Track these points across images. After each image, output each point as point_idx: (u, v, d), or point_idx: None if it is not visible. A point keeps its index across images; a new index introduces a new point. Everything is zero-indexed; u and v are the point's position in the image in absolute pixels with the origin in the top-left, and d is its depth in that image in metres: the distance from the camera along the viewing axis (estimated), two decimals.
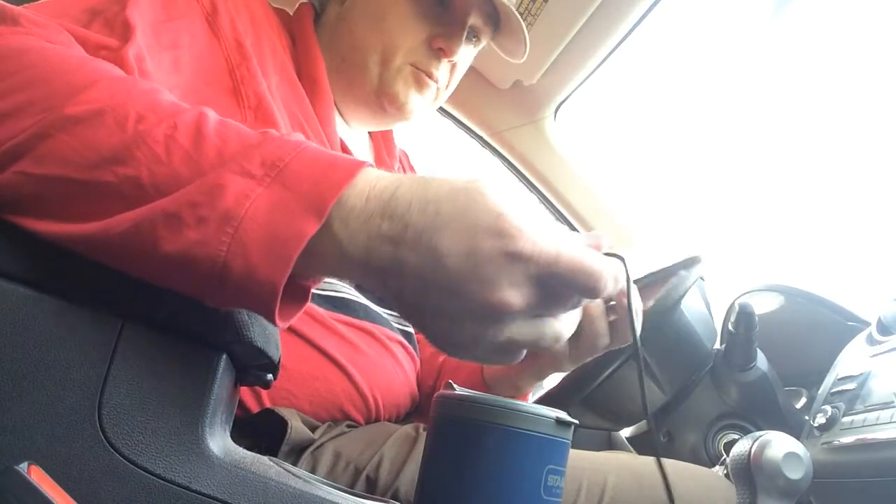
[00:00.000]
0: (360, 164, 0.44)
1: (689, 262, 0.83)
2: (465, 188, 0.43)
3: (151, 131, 0.44)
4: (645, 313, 0.74)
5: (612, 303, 0.69)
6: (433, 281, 0.42)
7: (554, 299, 0.44)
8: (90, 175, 0.44)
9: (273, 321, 0.44)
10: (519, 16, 0.90)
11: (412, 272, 0.42)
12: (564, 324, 0.45)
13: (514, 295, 0.41)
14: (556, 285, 0.42)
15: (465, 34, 0.90)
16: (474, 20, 0.90)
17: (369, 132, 1.03)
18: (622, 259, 0.46)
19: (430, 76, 0.89)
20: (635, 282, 0.74)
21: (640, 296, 0.72)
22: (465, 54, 0.94)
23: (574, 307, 0.45)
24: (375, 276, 0.44)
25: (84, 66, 0.49)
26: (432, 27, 0.88)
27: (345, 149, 0.88)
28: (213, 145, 0.44)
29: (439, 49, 0.88)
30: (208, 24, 0.71)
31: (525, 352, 0.46)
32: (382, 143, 1.04)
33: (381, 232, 0.43)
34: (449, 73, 0.93)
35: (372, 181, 0.44)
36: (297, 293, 0.46)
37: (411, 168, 1.12)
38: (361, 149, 0.97)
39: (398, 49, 0.87)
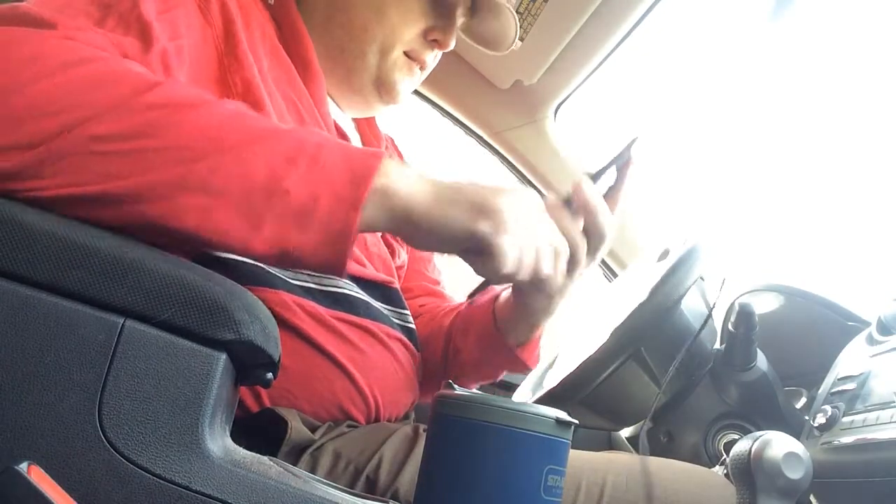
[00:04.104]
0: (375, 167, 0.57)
1: (630, 143, 0.84)
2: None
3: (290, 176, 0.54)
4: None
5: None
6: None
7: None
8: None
9: (349, 237, 0.55)
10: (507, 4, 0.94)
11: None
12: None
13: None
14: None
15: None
16: (463, 12, 0.93)
17: (353, 118, 1.04)
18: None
19: (422, 65, 0.94)
20: (590, 176, 0.76)
21: (602, 196, 0.73)
22: None
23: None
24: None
25: (204, 115, 0.54)
26: (429, 20, 0.90)
27: (339, 131, 0.90)
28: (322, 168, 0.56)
29: (433, 41, 0.92)
30: (201, 12, 0.71)
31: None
32: (367, 129, 1.05)
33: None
34: (434, 58, 0.97)
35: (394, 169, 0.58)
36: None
37: (398, 153, 1.13)
38: (351, 133, 0.98)
39: (397, 41, 0.90)
